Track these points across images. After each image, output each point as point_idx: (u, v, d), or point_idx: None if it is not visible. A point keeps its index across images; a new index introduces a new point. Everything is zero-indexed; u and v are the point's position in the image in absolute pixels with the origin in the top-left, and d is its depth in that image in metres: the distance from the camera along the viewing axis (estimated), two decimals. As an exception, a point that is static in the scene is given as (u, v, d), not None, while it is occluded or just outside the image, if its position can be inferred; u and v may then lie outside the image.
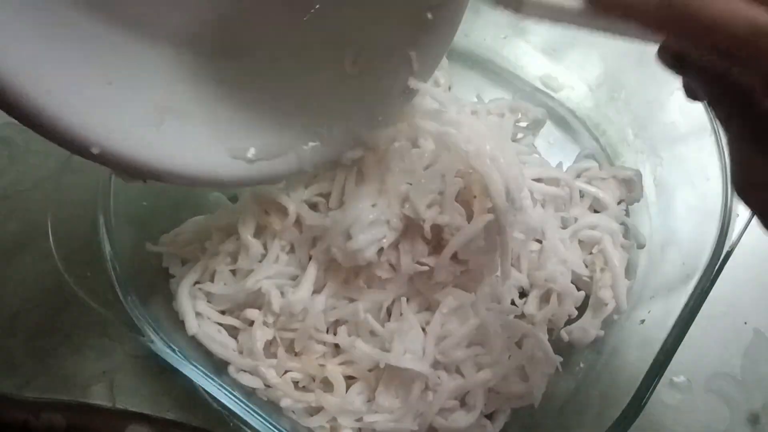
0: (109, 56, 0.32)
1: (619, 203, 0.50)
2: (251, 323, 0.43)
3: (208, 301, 0.44)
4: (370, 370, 0.42)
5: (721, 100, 0.28)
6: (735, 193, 0.26)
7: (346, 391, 0.42)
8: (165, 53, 0.35)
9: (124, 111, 0.32)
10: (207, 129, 0.36)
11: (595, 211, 0.50)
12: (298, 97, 0.38)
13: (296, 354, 0.43)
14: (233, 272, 0.45)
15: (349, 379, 0.43)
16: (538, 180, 0.49)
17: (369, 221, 0.40)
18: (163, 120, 0.34)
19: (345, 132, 0.39)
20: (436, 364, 0.42)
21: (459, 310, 0.42)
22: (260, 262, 0.44)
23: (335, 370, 0.42)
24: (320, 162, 0.39)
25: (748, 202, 0.27)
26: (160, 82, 0.35)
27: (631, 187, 0.50)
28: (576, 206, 0.49)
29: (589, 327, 0.45)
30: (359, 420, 0.41)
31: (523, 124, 0.53)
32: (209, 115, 0.36)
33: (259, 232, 0.45)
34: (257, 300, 0.43)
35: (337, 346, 0.43)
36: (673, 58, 0.29)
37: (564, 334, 0.45)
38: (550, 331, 0.46)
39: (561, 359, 0.43)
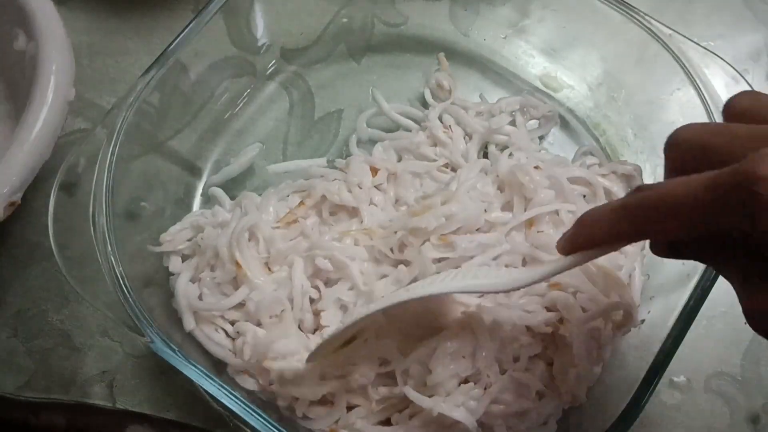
0: None
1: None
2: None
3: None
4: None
5: (723, 260, 0.27)
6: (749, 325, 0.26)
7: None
8: None
9: None
10: None
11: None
12: None
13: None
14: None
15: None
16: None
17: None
18: None
19: None
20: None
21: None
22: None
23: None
24: None
25: (758, 329, 0.26)
26: None
27: (631, 183, 0.49)
28: (601, 202, 0.48)
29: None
30: None
31: (534, 122, 0.53)
32: None
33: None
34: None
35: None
36: (669, 249, 0.30)
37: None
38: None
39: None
